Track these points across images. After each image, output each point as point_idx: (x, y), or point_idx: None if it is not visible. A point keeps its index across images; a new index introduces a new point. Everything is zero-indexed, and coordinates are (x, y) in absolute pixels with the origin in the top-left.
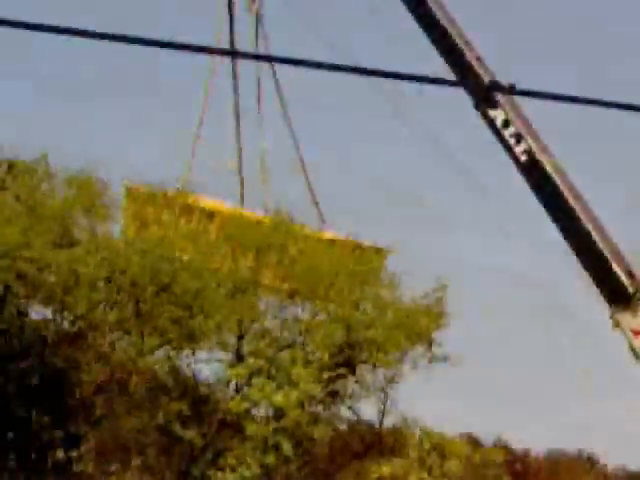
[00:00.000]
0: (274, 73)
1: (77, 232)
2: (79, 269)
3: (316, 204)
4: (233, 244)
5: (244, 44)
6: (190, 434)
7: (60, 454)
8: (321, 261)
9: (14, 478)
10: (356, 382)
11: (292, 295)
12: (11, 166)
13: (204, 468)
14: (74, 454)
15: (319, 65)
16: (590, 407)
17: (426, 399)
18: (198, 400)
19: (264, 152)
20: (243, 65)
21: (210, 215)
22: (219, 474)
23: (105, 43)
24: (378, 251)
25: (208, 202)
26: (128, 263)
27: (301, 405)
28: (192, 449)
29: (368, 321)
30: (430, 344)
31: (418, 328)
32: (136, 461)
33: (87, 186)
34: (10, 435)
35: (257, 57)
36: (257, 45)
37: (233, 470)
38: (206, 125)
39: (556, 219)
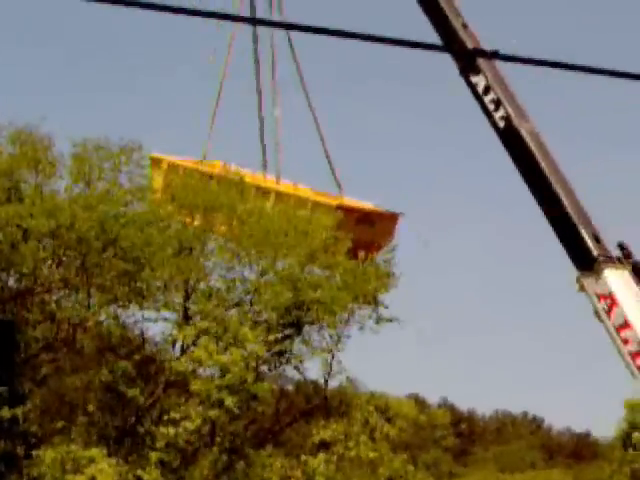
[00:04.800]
0: (290, 41)
1: (24, 188)
2: (26, 224)
3: (332, 170)
4: (181, 202)
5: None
6: (134, 392)
7: (5, 412)
8: (270, 220)
9: None
10: (303, 342)
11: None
12: None
13: (149, 426)
14: (19, 412)
15: (317, 30)
16: (537, 370)
17: (373, 360)
18: (145, 359)
19: (277, 120)
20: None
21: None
22: (163, 429)
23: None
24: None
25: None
26: (74, 218)
27: (246, 365)
28: (138, 407)
29: (316, 281)
30: (377, 305)
31: (365, 289)
32: (81, 419)
33: (32, 142)
34: None
35: (275, 24)
36: (272, 13)
37: (177, 425)
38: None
39: (528, 182)
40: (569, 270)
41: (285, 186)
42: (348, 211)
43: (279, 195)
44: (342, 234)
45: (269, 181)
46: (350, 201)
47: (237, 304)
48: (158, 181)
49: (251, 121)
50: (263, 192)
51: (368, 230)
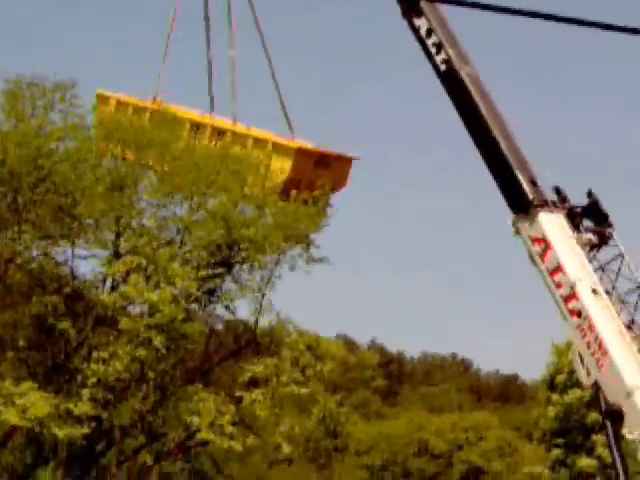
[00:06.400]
0: None
1: None
2: None
3: (285, 113)
4: (116, 139)
5: None
6: (64, 325)
7: None
8: (204, 157)
9: None
10: (233, 281)
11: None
12: None
13: (78, 363)
14: None
15: None
16: (467, 314)
17: (303, 300)
18: (74, 295)
19: (233, 61)
20: None
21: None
22: (93, 366)
23: None
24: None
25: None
26: (5, 154)
27: (176, 302)
28: (67, 344)
29: (247, 220)
30: (308, 245)
31: (297, 229)
32: (10, 355)
33: None
34: None
35: None
36: None
37: (105, 363)
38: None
39: (467, 125)
40: (504, 214)
41: (241, 127)
42: (307, 153)
43: (236, 135)
44: (293, 174)
45: (225, 122)
46: (303, 143)
47: (169, 242)
48: (101, 118)
49: (204, 61)
50: (219, 132)
51: (324, 172)
